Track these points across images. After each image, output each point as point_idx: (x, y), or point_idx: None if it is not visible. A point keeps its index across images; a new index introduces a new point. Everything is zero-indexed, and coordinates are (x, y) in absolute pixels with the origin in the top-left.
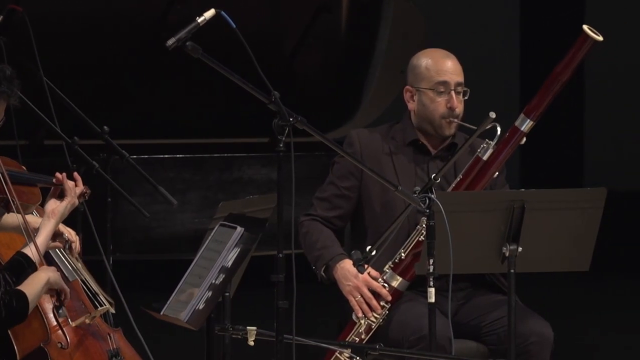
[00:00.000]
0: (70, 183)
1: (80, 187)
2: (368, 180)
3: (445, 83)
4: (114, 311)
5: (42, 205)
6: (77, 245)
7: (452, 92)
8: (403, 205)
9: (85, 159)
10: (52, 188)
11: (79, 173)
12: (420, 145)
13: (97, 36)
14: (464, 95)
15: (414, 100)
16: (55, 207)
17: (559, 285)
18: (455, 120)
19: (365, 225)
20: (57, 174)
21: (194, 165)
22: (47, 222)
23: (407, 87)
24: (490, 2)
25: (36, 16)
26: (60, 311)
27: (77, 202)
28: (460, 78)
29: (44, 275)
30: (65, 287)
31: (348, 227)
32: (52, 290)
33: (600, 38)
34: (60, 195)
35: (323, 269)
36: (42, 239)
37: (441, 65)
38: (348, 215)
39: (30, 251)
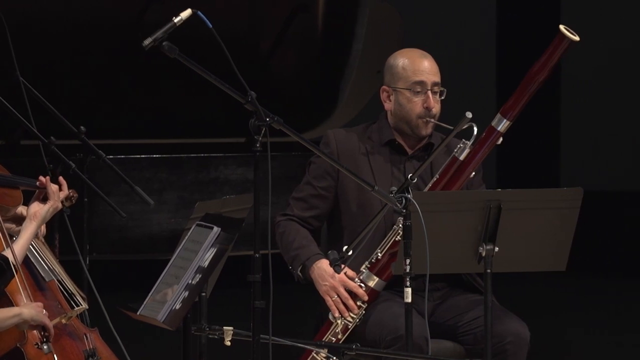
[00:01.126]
0: (54, 187)
1: (65, 192)
2: (344, 180)
3: (422, 83)
4: (87, 306)
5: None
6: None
7: (429, 92)
8: (379, 205)
9: (62, 159)
10: (37, 191)
11: (55, 173)
12: (396, 146)
13: (73, 36)
14: (440, 95)
15: (390, 100)
16: (38, 210)
17: (536, 285)
18: (432, 120)
19: (341, 225)
20: (41, 177)
21: (170, 165)
22: (29, 225)
23: (384, 87)
24: (467, 2)
25: (13, 16)
26: (45, 347)
27: (60, 205)
28: (436, 78)
29: (17, 310)
30: (48, 322)
31: (324, 227)
32: (37, 327)
33: (577, 38)
34: (44, 199)
35: (300, 268)
36: (22, 241)
37: (418, 65)
38: (324, 215)
39: (10, 253)
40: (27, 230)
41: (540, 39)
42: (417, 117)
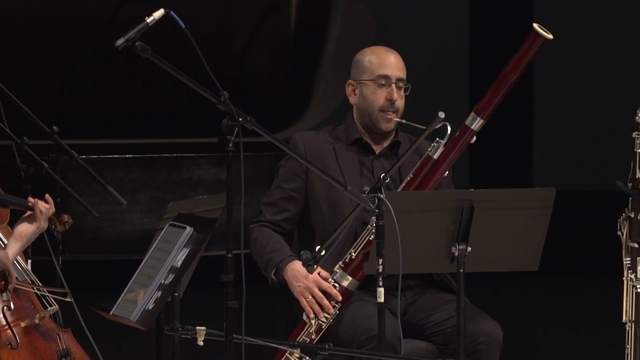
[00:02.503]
0: (42, 207)
1: (50, 208)
2: (314, 181)
3: (386, 77)
4: (70, 299)
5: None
6: None
7: (393, 86)
8: (350, 205)
9: (35, 159)
10: (28, 212)
11: (27, 173)
12: (363, 144)
13: (46, 36)
14: (405, 92)
15: (355, 94)
16: (24, 230)
17: (508, 285)
18: (394, 113)
19: (313, 226)
20: (30, 198)
21: (143, 165)
22: (14, 244)
23: (350, 81)
24: (439, 1)
25: None
26: (4, 294)
27: (45, 226)
28: (402, 74)
29: None
30: (11, 269)
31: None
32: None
33: (550, 36)
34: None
35: (273, 271)
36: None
37: (384, 60)
38: (296, 218)
39: None
40: (11, 250)
41: (513, 38)
42: (379, 110)
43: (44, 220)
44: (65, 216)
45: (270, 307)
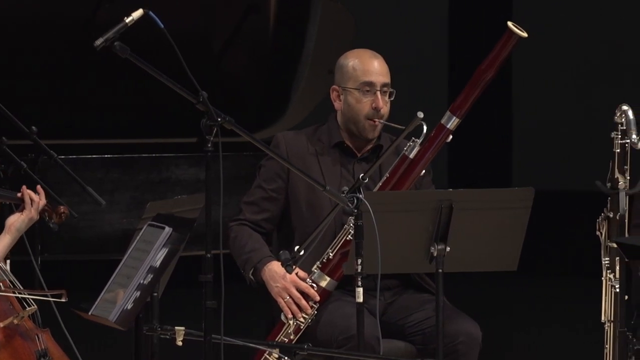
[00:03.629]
0: (32, 197)
1: (43, 201)
2: (295, 181)
3: (371, 84)
4: (65, 299)
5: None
6: None
7: (378, 93)
8: (329, 206)
9: (14, 159)
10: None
11: (6, 173)
12: (345, 148)
13: (24, 36)
14: (389, 97)
15: (340, 100)
16: (14, 221)
17: (487, 285)
18: (380, 121)
19: (292, 226)
20: (23, 187)
21: (122, 166)
22: (3, 236)
23: (334, 86)
24: (418, 1)
25: None
26: None
27: (36, 217)
28: (386, 79)
29: None
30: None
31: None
32: None
33: (525, 34)
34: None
35: (251, 271)
36: None
37: (368, 66)
38: (276, 218)
39: None
40: (2, 242)
41: (492, 38)
42: (365, 118)
43: (35, 211)
44: (62, 207)
45: (249, 307)
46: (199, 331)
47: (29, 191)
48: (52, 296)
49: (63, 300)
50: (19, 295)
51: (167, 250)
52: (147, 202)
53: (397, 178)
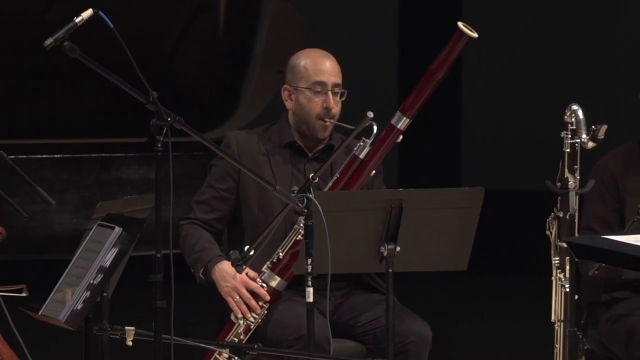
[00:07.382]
0: None
1: None
2: (246, 181)
3: (322, 83)
4: (26, 294)
5: None
6: None
7: (329, 93)
8: (280, 206)
9: None
10: None
11: None
12: (296, 147)
13: None
14: (341, 97)
15: (291, 100)
16: None
17: (438, 285)
18: (331, 121)
19: (242, 226)
20: None
21: (72, 165)
22: None
23: (286, 85)
24: (368, 1)
25: None
26: None
27: None
28: (337, 79)
29: None
30: None
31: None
32: None
33: (475, 35)
34: None
35: (201, 271)
36: None
37: (319, 66)
38: (227, 217)
39: None
40: None
41: (442, 38)
42: (316, 118)
43: None
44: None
45: (200, 307)
46: (149, 331)
47: None
48: (13, 291)
49: (24, 294)
50: None
51: (117, 250)
52: (97, 202)
53: (348, 178)
